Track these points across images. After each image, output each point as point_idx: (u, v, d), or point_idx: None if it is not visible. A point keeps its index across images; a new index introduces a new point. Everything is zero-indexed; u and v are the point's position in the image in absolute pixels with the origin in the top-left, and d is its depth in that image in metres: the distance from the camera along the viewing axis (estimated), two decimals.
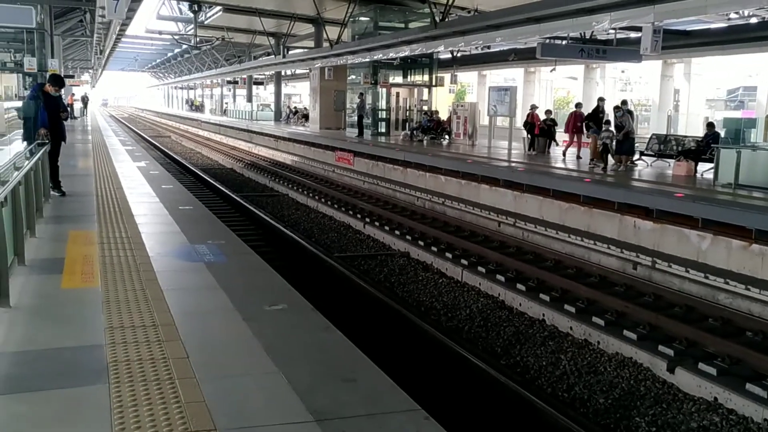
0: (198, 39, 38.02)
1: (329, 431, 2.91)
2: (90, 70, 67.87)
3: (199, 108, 71.01)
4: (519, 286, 9.64)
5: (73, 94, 43.34)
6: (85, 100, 49.15)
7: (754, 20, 21.58)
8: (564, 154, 18.58)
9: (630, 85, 57.01)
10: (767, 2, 10.17)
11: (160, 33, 43.49)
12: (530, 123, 19.87)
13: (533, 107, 20.68)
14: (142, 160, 16.80)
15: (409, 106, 28.81)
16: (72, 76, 45.30)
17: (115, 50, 48.58)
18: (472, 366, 6.85)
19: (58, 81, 10.30)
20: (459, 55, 31.41)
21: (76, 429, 3.02)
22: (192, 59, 57.22)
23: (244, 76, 48.83)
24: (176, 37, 41.92)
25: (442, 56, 29.82)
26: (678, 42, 21.28)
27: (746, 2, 11.23)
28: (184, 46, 46.99)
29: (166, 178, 13.49)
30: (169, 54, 62.38)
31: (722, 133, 14.58)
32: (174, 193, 11.29)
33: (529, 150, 19.76)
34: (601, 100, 18.02)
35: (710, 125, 15.28)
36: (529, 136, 19.94)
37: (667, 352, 7.22)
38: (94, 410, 3.14)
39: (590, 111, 17.70)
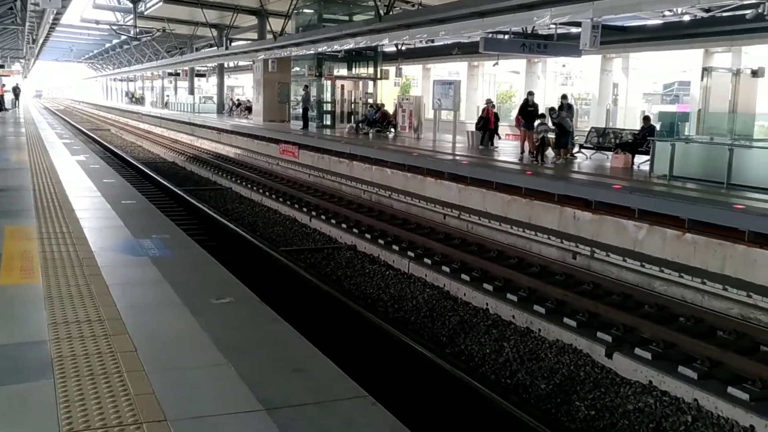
0: (138, 30, 37.20)
1: (279, 419, 2.96)
2: (22, 60, 65.60)
3: (140, 100, 69.48)
4: (464, 276, 9.82)
5: (3, 85, 41.87)
6: (16, 91, 47.51)
7: (687, 18, 22.31)
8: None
9: (571, 79, 58.12)
10: (698, 1, 10.54)
11: (98, 23, 42.31)
12: (485, 118, 20.02)
13: (489, 102, 20.85)
14: (82, 154, 16.40)
15: (355, 99, 28.83)
16: (2, 66, 43.72)
17: (49, 40, 47.02)
18: (419, 355, 6.97)
19: None
20: (404, 48, 31.55)
21: (22, 425, 2.98)
22: (132, 50, 55.92)
23: (186, 68, 47.98)
24: (114, 27, 40.90)
25: (387, 49, 29.91)
26: (616, 38, 21.85)
27: (679, 1, 11.64)
28: (123, 37, 45.92)
29: (107, 172, 13.22)
30: (107, 45, 60.80)
31: (657, 127, 15.06)
32: (116, 187, 11.09)
33: (481, 144, 19.84)
34: (530, 94, 18.37)
35: (646, 119, 15.79)
36: (480, 131, 20.05)
37: (605, 338, 7.47)
38: (39, 406, 3.11)
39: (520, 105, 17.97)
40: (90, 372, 3.49)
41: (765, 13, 10.21)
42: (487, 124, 19.94)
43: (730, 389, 6.19)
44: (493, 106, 20.88)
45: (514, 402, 5.99)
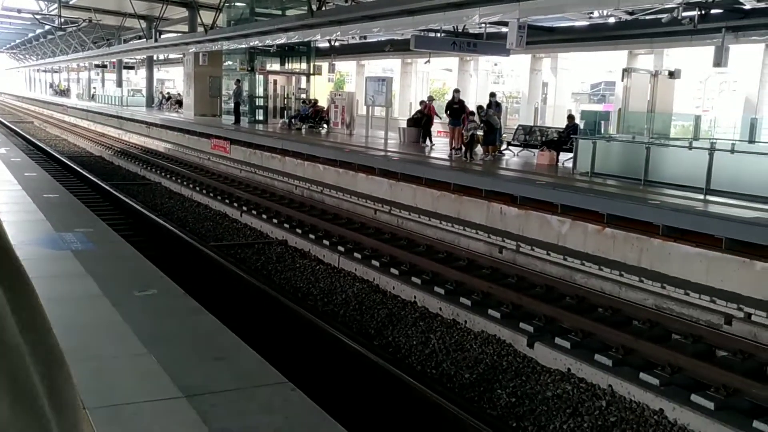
0: (62, 20, 35.98)
1: (199, 405, 3.01)
2: None
3: (65, 93, 67.23)
4: (393, 270, 9.97)
5: None
6: None
7: (612, 20, 23.06)
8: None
9: (502, 77, 59.21)
10: (618, 4, 10.96)
11: (19, 11, 40.69)
12: (427, 115, 20.13)
13: (431, 99, 20.95)
14: (1, 147, 15.85)
15: (287, 94, 28.66)
16: None
17: None
18: (346, 347, 7.07)
19: None
20: (337, 44, 31.53)
21: None
22: (56, 41, 54.02)
23: (114, 60, 46.69)
24: (38, 16, 39.43)
25: (321, 45, 29.84)
26: (544, 38, 22.43)
27: (601, 3, 12.06)
28: (47, 27, 44.30)
29: (29, 166, 12.84)
30: (31, 35, 58.57)
31: (581, 125, 15.56)
32: (38, 180, 10.80)
33: (423, 142, 19.91)
34: (456, 91, 18.70)
35: (570, 117, 16.29)
36: (418, 128, 20.11)
37: (527, 328, 7.72)
38: None
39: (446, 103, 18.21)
40: None
41: (679, 17, 10.71)
42: (429, 121, 20.05)
43: (642, 375, 6.50)
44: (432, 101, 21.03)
45: (438, 391, 6.15)
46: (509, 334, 7.70)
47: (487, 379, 6.88)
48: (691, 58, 25.64)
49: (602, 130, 15.00)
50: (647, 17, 20.61)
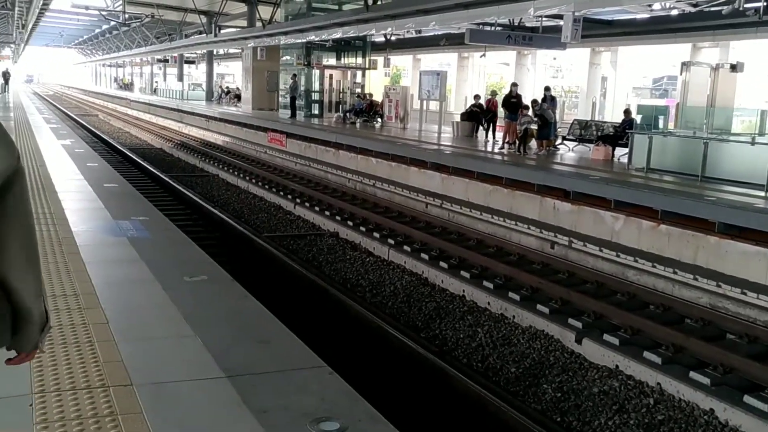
0: (127, 15, 37.04)
1: (240, 385, 3.12)
2: (12, 45, 65.13)
3: (128, 86, 69.15)
4: (442, 263, 9.99)
5: None
6: (6, 76, 47.18)
7: (674, 12, 22.46)
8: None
9: (561, 71, 58.34)
10: None
11: (87, 8, 42.07)
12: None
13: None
14: (67, 138, 16.46)
15: (343, 89, 28.88)
16: None
17: (38, 25, 46.75)
18: (392, 338, 7.13)
19: None
20: (393, 38, 31.60)
21: None
22: (121, 36, 55.61)
23: (175, 55, 47.84)
24: (104, 13, 40.70)
25: (377, 39, 29.95)
26: (602, 31, 22.02)
27: None
28: (113, 23, 45.70)
29: (92, 157, 13.30)
30: (97, 30, 60.44)
31: (638, 120, 15.24)
32: (99, 171, 11.18)
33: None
34: (513, 85, 18.46)
35: (626, 112, 15.96)
36: (482, 124, 19.99)
37: (575, 324, 7.66)
38: (14, 369, 3.23)
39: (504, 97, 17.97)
40: (63, 341, 3.64)
41: (740, 8, 10.37)
42: (494, 116, 19.75)
43: (692, 374, 6.38)
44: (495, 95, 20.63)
45: (482, 384, 6.16)
46: (557, 329, 7.64)
47: (533, 374, 6.85)
48: (759, 51, 24.74)
49: (660, 125, 14.65)
50: (712, 8, 20.03)
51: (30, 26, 43.11)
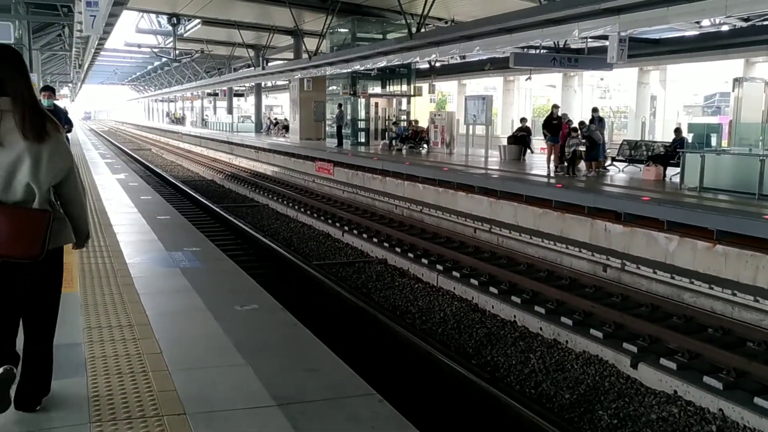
0: (177, 52, 38.13)
1: (290, 414, 3.14)
2: (69, 84, 67.63)
3: (180, 120, 70.95)
4: (492, 289, 9.89)
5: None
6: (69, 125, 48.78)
7: (725, 28, 22.06)
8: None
9: (609, 92, 57.75)
10: (725, 11, 10.50)
11: (140, 46, 43.57)
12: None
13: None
14: (122, 173, 16.94)
15: (388, 116, 29.11)
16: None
17: (94, 64, 48.49)
18: (442, 365, 7.07)
19: (47, 89, 10.52)
20: (437, 64, 31.78)
21: (57, 415, 3.22)
22: (172, 72, 57.25)
23: (224, 88, 48.96)
24: (155, 50, 42.01)
25: (421, 66, 30.18)
26: (649, 50, 21.77)
27: (704, 13, 11.56)
28: (164, 59, 47.08)
29: (145, 190, 13.65)
30: (149, 67, 62.35)
31: (689, 138, 14.95)
32: (152, 203, 11.46)
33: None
34: (554, 107, 18.25)
35: (677, 131, 15.67)
36: (513, 146, 19.81)
37: (631, 348, 7.48)
38: (73, 399, 3.36)
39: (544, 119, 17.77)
40: (118, 371, 3.73)
41: None
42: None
43: (757, 399, 6.16)
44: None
45: (535, 411, 6.05)
46: (612, 354, 7.47)
47: (588, 400, 6.70)
48: None
49: (712, 143, 14.33)
50: (765, 23, 19.60)
51: (86, 65, 44.74)
